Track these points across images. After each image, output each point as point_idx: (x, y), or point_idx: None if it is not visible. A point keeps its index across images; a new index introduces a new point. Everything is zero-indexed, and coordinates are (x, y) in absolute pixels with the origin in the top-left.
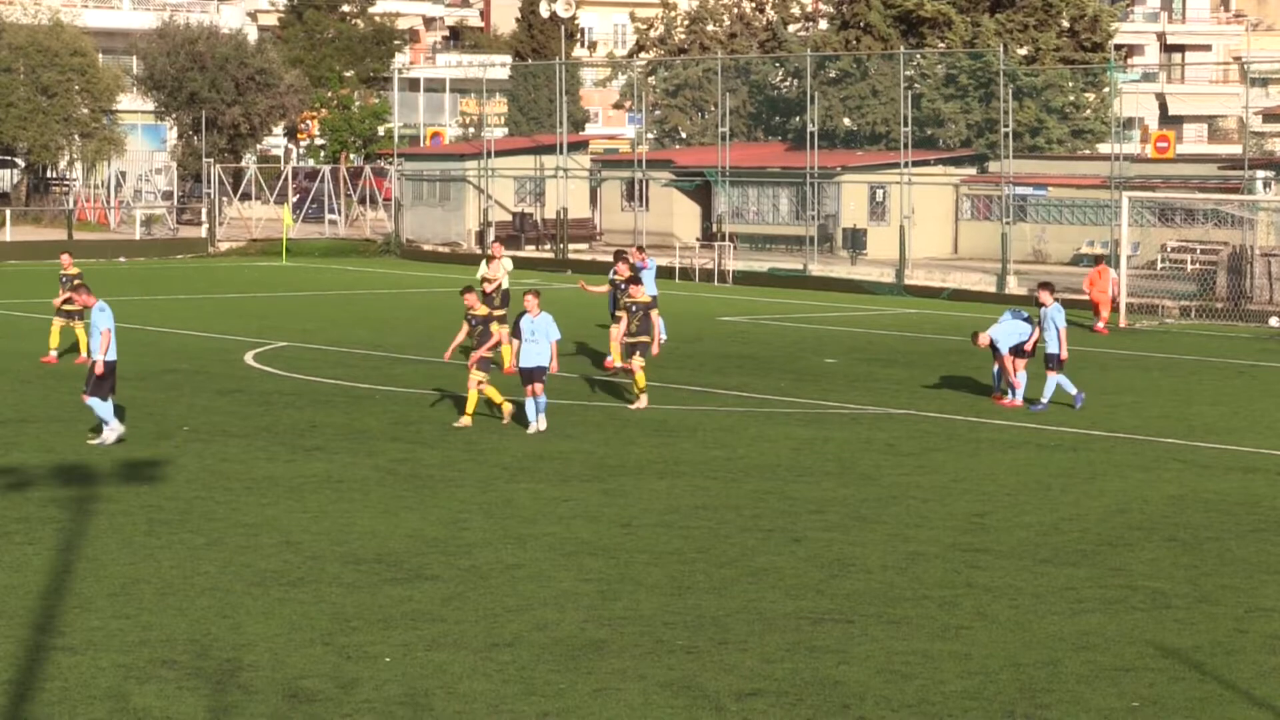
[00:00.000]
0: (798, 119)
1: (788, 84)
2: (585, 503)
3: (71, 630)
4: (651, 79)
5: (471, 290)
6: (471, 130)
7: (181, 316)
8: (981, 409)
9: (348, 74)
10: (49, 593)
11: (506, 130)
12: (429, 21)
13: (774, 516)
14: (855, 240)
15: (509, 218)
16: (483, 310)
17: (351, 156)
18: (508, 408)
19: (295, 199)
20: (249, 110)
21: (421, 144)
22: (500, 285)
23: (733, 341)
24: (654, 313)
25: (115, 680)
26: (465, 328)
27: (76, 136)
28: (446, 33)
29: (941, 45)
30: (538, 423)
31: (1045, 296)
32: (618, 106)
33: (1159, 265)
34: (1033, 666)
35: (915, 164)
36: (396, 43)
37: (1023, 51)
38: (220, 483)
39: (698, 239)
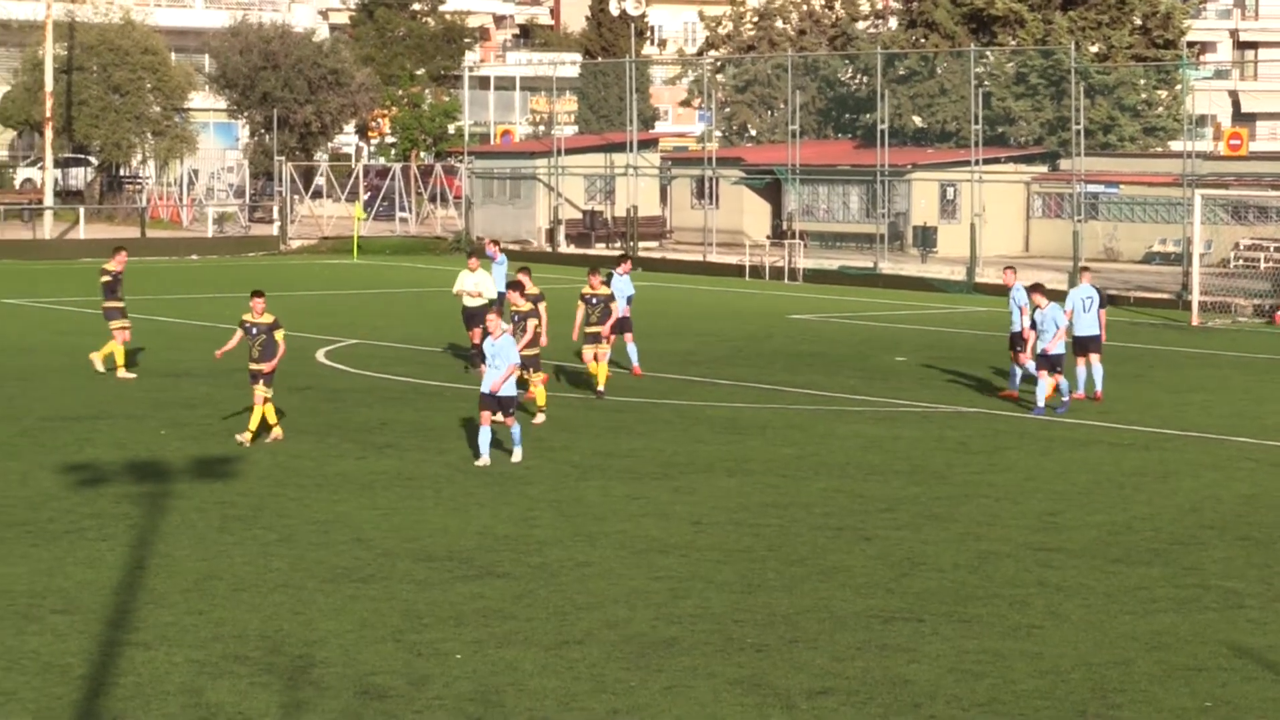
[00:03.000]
0: (867, 116)
1: (857, 81)
2: (655, 500)
3: (145, 626)
4: (721, 76)
5: (514, 287)
6: (541, 128)
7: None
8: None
9: (418, 72)
10: (123, 588)
11: (576, 128)
12: (499, 19)
13: (844, 515)
14: (926, 238)
15: (579, 215)
16: (525, 306)
17: (422, 154)
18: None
19: (366, 197)
20: (320, 108)
21: (492, 142)
22: (488, 300)
23: (803, 339)
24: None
25: (188, 676)
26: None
27: (149, 135)
28: (516, 31)
29: (1012, 43)
30: (516, 452)
31: (1040, 299)
32: (687, 104)
33: (1231, 263)
34: (1105, 666)
35: (986, 162)
36: (467, 41)
37: (1095, 49)
38: (292, 479)
39: (768, 237)
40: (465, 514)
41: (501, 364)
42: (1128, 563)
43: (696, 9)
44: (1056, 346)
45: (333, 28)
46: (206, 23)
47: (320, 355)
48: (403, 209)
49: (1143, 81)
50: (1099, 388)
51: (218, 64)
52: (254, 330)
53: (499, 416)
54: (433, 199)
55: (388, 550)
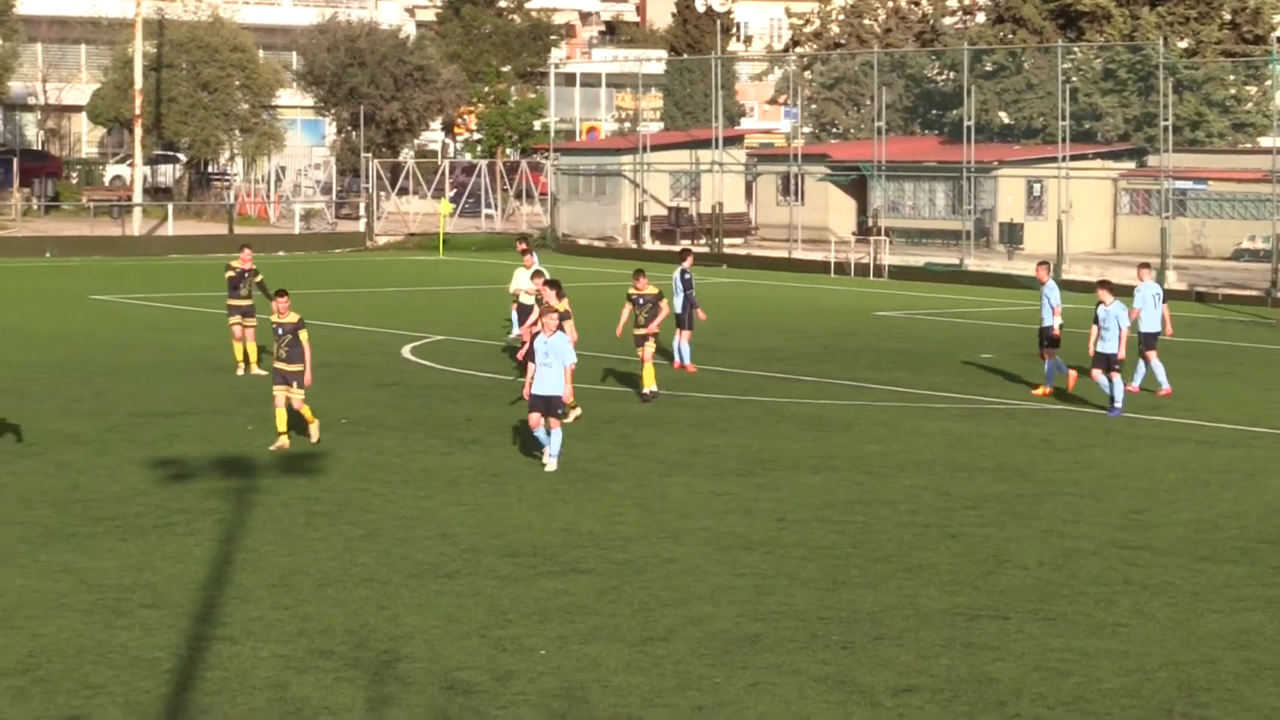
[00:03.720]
0: (954, 113)
1: (944, 77)
2: (740, 497)
3: (231, 620)
4: (807, 73)
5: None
6: (627, 125)
7: (339, 310)
8: (1139, 404)
9: (504, 69)
10: (210, 583)
11: (662, 125)
12: (585, 16)
13: (929, 512)
14: (1012, 235)
15: (664, 212)
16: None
17: (508, 151)
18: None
19: (452, 193)
20: (407, 105)
21: (577, 138)
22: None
23: (888, 336)
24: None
25: (274, 670)
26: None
27: (237, 132)
28: (603, 27)
29: (1100, 38)
30: (551, 462)
31: (1105, 295)
32: (773, 101)
33: None
34: (1191, 665)
35: (1073, 158)
36: (553, 38)
37: (1183, 44)
38: (377, 475)
39: (853, 233)
40: (550, 510)
41: (555, 363)
42: (1214, 561)
43: (783, 5)
44: (1111, 345)
45: (419, 25)
46: (294, 20)
47: (406, 351)
48: (488, 205)
49: (1231, 77)
50: (1166, 384)
51: (305, 61)
52: (279, 330)
53: (550, 419)
54: (518, 195)
55: (473, 546)
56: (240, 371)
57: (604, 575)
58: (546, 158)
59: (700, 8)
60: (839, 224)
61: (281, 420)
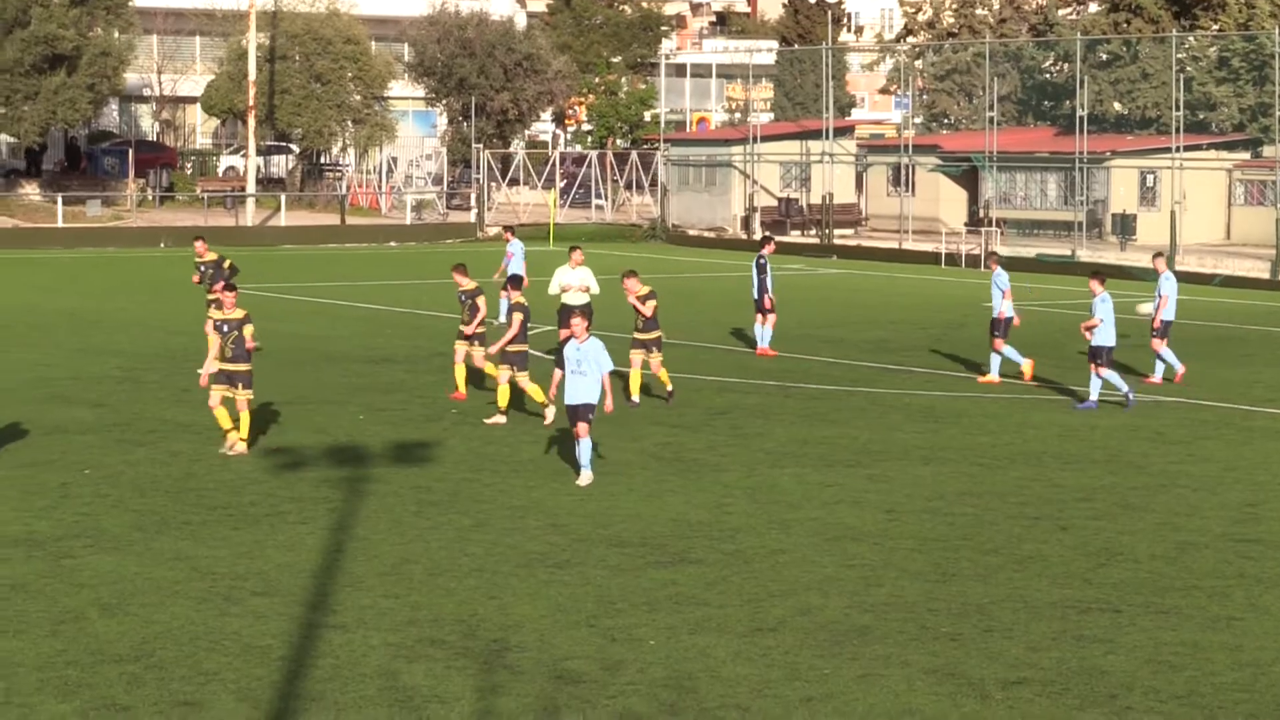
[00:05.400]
0: (1067, 103)
1: (1057, 68)
2: (849, 488)
3: (343, 608)
4: (919, 63)
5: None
6: (738, 115)
7: (450, 300)
8: (1254, 396)
9: (615, 60)
10: (321, 571)
11: (772, 115)
12: (696, 7)
13: (1040, 504)
14: (1125, 226)
15: (774, 203)
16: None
17: (618, 141)
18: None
19: (562, 184)
20: (517, 96)
21: (688, 129)
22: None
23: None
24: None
25: (385, 659)
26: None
27: (349, 123)
28: (713, 18)
29: (1214, 27)
30: (584, 474)
31: (1096, 286)
32: (885, 91)
33: None
34: None
35: (1187, 148)
36: (663, 29)
37: None
38: (487, 465)
39: (964, 224)
40: (659, 500)
41: (590, 369)
42: None
43: None
44: (1101, 337)
45: (530, 15)
46: (405, 11)
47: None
48: (598, 196)
49: None
50: (1180, 366)
51: (416, 52)
52: (225, 327)
53: (582, 426)
54: (629, 186)
55: (581, 536)
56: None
57: (713, 565)
58: (657, 148)
59: None
60: (950, 215)
61: (225, 420)
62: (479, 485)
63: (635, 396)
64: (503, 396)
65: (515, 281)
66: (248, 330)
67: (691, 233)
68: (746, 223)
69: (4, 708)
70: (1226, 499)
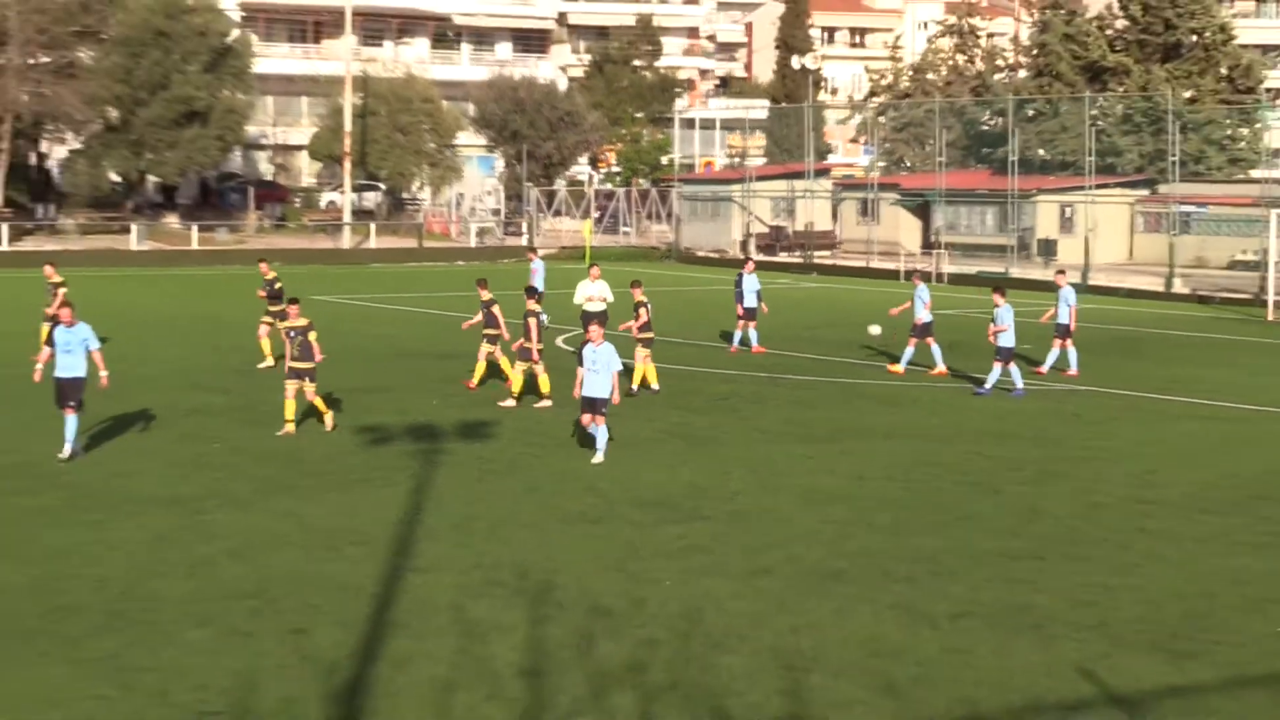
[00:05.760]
0: (1001, 150)
1: (993, 121)
2: (826, 460)
3: (421, 555)
4: (882, 118)
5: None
6: (737, 159)
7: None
8: (1153, 386)
9: (638, 115)
10: (403, 525)
11: (765, 159)
12: (703, 73)
13: (979, 473)
14: (1048, 249)
15: (766, 230)
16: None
17: (641, 181)
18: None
19: (596, 215)
20: (560, 144)
21: (696, 170)
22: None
23: (948, 331)
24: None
25: (455, 596)
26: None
27: (425, 166)
28: (717, 81)
29: (1120, 89)
30: (598, 455)
31: (998, 298)
32: (854, 141)
33: None
34: (1194, 598)
35: (1097, 187)
36: (677, 90)
37: (1187, 94)
38: (537, 441)
39: (920, 247)
40: (673, 470)
41: (603, 369)
42: (1214, 513)
43: (863, 64)
44: (1010, 340)
45: (570, 79)
46: (470, 76)
47: (559, 341)
48: (625, 224)
49: (1228, 120)
50: (1075, 367)
51: (478, 109)
52: (292, 333)
53: (598, 416)
54: (649, 216)
55: (612, 498)
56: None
57: (717, 522)
58: (672, 186)
59: (796, 66)
60: (908, 239)
61: (290, 410)
62: (530, 457)
63: (635, 386)
64: (516, 384)
65: (530, 292)
66: (312, 335)
67: (699, 254)
68: (744, 246)
69: (153, 634)
70: (1130, 469)
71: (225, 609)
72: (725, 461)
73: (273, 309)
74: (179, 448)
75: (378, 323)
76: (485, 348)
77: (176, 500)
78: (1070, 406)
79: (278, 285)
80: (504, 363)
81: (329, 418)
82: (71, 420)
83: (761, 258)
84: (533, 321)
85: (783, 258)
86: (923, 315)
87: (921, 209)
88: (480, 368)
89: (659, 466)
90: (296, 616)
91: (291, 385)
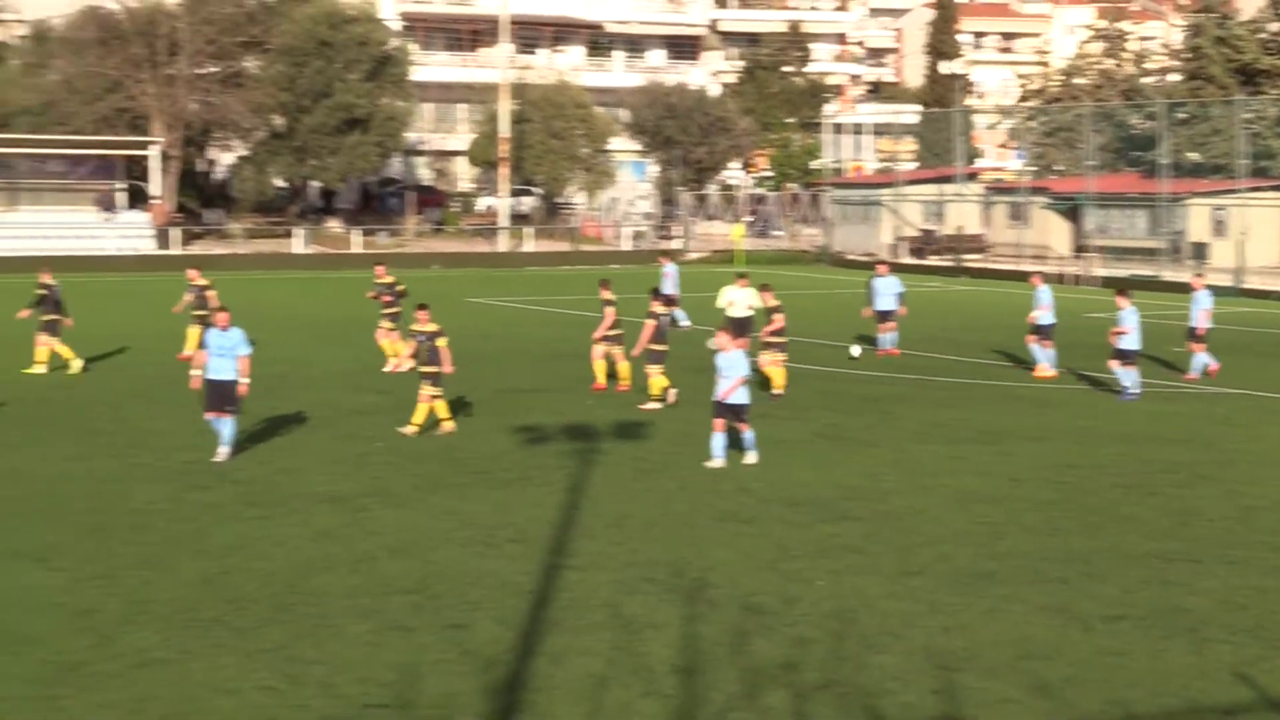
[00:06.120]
0: (1152, 153)
1: (1144, 125)
2: (976, 461)
3: (577, 553)
4: (1032, 123)
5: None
6: (886, 164)
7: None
8: None
9: (789, 120)
10: (559, 524)
11: (915, 164)
12: (854, 78)
13: (1132, 475)
14: (1200, 252)
15: (916, 233)
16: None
17: (791, 185)
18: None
19: (749, 219)
20: (712, 149)
21: (846, 175)
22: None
23: (1097, 333)
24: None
25: (610, 593)
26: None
27: (579, 171)
28: (868, 87)
29: (1274, 92)
30: (750, 455)
31: (1122, 301)
32: (1004, 145)
33: None
34: None
35: (1251, 190)
36: (827, 95)
37: None
38: (689, 441)
39: (1070, 250)
40: (824, 470)
41: (731, 374)
42: None
43: (1012, 69)
44: (1135, 343)
45: (723, 85)
46: (623, 82)
47: (709, 343)
48: (777, 228)
49: None
50: (1194, 372)
51: (632, 115)
52: (420, 338)
53: (736, 423)
54: (800, 220)
55: (764, 497)
56: (388, 367)
57: (868, 521)
58: (823, 190)
59: (945, 71)
60: (1058, 243)
61: (442, 409)
62: (683, 457)
63: (777, 390)
64: (653, 387)
65: (656, 294)
66: (441, 342)
67: (849, 257)
68: (894, 249)
69: (318, 627)
70: None
71: (387, 604)
72: (876, 462)
73: (389, 312)
74: (340, 446)
75: (533, 324)
76: (603, 348)
77: (339, 497)
78: (1221, 410)
79: (399, 288)
80: (622, 366)
81: (449, 423)
82: (228, 424)
83: (911, 261)
84: (650, 323)
85: (932, 261)
86: (1043, 316)
87: (1072, 212)
88: (600, 367)
89: (810, 466)
90: (456, 612)
91: (427, 389)
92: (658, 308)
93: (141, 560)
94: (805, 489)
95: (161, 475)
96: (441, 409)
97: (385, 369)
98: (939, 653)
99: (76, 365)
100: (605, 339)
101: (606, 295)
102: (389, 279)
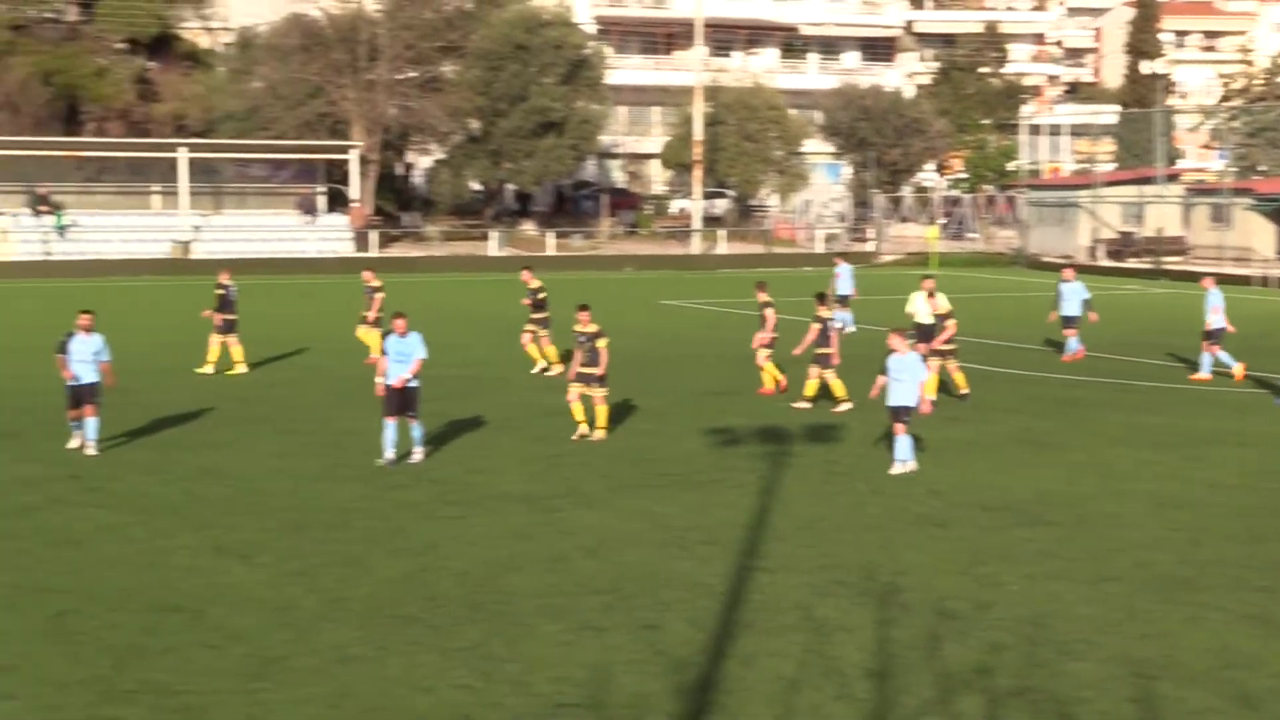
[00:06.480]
0: None
1: None
2: (1174, 466)
3: (768, 555)
4: (1235, 123)
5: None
6: (1084, 165)
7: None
8: None
9: (984, 121)
10: (751, 526)
11: (1113, 165)
12: (1051, 79)
13: None
14: None
15: (1114, 235)
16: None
17: (987, 187)
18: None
19: (943, 221)
20: (906, 151)
21: (1043, 176)
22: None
23: None
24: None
25: (802, 596)
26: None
27: (772, 173)
28: (1066, 87)
29: None
30: (904, 463)
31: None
32: (1206, 146)
33: None
34: None
35: None
36: (1024, 96)
37: None
38: (882, 443)
39: (1274, 253)
40: (1017, 473)
41: (907, 378)
42: None
43: (1215, 68)
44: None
45: (918, 87)
46: (817, 85)
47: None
48: (972, 230)
49: None
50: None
51: (826, 117)
52: (582, 338)
53: (899, 425)
54: (996, 222)
55: (956, 502)
56: (536, 369)
57: (1063, 526)
58: (1019, 192)
59: (1145, 70)
60: (1262, 245)
61: (579, 412)
62: (874, 460)
63: (963, 391)
64: (809, 389)
65: (821, 298)
66: (601, 343)
67: (1046, 259)
68: (1091, 251)
69: (512, 626)
70: None
71: (579, 603)
72: (1070, 466)
73: (535, 317)
74: (533, 447)
75: (726, 327)
76: (762, 351)
77: (531, 497)
78: None
79: (541, 295)
80: (769, 367)
81: (600, 431)
82: (413, 426)
83: (1109, 264)
84: (814, 326)
85: (1130, 263)
86: (1213, 320)
87: (1276, 214)
88: (771, 369)
89: (1003, 470)
90: (648, 613)
91: (575, 389)
92: (822, 311)
93: (340, 558)
94: (998, 493)
95: (360, 475)
96: (601, 416)
97: (533, 371)
98: (1136, 661)
99: (241, 369)
100: (765, 345)
101: (764, 298)
102: (536, 284)
